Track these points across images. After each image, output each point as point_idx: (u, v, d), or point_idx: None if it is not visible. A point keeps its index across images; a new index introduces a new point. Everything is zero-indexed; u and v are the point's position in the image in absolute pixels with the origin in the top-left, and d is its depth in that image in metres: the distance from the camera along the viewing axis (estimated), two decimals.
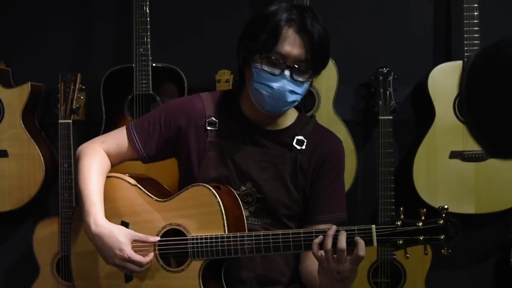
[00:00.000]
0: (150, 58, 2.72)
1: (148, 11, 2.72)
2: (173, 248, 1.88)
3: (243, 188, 1.94)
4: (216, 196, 1.83)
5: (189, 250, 1.85)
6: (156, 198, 1.93)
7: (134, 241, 1.86)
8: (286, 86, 1.83)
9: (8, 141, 2.85)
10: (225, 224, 1.83)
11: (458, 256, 2.73)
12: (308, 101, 2.77)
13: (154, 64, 2.75)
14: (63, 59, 3.05)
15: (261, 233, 1.81)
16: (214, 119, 1.97)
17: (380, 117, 2.71)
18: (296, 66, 1.82)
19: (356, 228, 1.73)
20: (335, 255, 1.71)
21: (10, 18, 3.08)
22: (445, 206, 1.71)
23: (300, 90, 1.86)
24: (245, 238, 1.81)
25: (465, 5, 2.67)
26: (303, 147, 1.96)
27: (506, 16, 2.89)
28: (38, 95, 2.94)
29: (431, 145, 2.73)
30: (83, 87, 2.83)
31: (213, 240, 1.83)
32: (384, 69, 2.75)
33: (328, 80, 2.77)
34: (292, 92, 1.84)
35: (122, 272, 1.90)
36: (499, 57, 1.04)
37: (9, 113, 2.85)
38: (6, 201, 2.86)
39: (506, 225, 2.94)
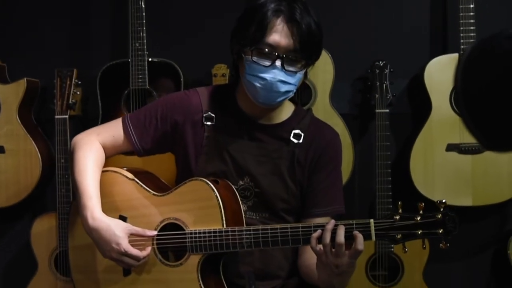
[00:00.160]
0: (146, 53, 2.72)
1: (143, 5, 2.72)
2: (171, 243, 1.88)
3: (240, 182, 1.95)
4: (214, 190, 1.83)
5: (188, 244, 1.85)
6: (154, 192, 1.93)
7: (131, 235, 1.86)
8: (278, 76, 1.82)
9: (4, 137, 2.85)
10: (223, 218, 1.83)
11: (456, 248, 2.74)
12: (305, 95, 2.77)
13: (150, 59, 2.75)
14: (59, 55, 3.04)
15: (260, 227, 1.81)
16: (211, 114, 1.97)
17: (377, 110, 2.72)
18: (287, 56, 1.82)
19: (354, 222, 1.73)
20: (333, 249, 1.71)
21: (6, 14, 3.07)
22: (443, 200, 1.71)
23: (292, 80, 1.85)
24: (244, 232, 1.81)
25: None
26: (300, 140, 1.96)
27: (501, 8, 2.89)
28: (34, 90, 2.93)
29: (428, 138, 2.73)
30: (79, 82, 2.83)
31: (211, 234, 1.83)
32: (381, 62, 2.75)
33: (324, 73, 2.77)
34: (284, 82, 1.83)
35: (120, 266, 1.91)
36: (495, 50, 1.04)
37: (5, 109, 2.84)
38: (3, 197, 2.86)
39: (503, 217, 2.95)
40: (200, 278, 1.84)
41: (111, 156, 2.03)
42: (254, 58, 1.83)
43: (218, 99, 2.00)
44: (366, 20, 2.95)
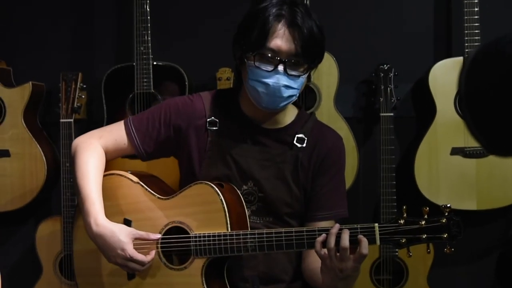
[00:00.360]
0: (151, 56, 2.73)
1: (148, 9, 2.73)
2: (175, 246, 1.88)
3: (244, 187, 1.95)
4: (219, 194, 1.84)
5: (192, 248, 1.85)
6: (159, 196, 1.93)
7: (136, 239, 1.86)
8: (281, 81, 1.82)
9: (10, 141, 2.85)
10: (228, 222, 1.83)
11: (460, 252, 2.73)
12: (309, 99, 2.77)
13: (155, 63, 2.75)
14: (64, 58, 3.05)
15: (264, 231, 1.81)
16: (215, 118, 1.97)
17: (381, 114, 2.71)
18: (289, 60, 1.82)
19: (359, 226, 1.73)
20: (338, 254, 1.71)
21: (11, 18, 3.08)
22: (448, 205, 1.71)
23: (295, 84, 1.85)
24: (248, 236, 1.81)
25: (465, 1, 2.67)
26: (304, 144, 1.96)
27: (506, 12, 2.89)
28: (40, 94, 2.94)
29: (432, 142, 2.73)
30: (84, 86, 2.83)
31: (216, 238, 1.83)
32: (385, 65, 2.75)
33: (329, 77, 2.77)
34: (287, 87, 1.84)
35: (124, 270, 1.91)
36: (499, 54, 1.04)
37: (11, 113, 2.85)
38: (8, 201, 2.86)
39: (508, 221, 2.94)
40: (204, 281, 1.84)
41: (113, 159, 2.03)
42: (257, 64, 1.83)
43: (222, 103, 2.00)
44: (370, 24, 2.95)
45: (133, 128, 1.99)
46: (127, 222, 1.92)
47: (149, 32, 2.72)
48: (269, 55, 1.82)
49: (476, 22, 2.66)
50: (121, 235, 1.83)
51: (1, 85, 2.87)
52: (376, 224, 1.72)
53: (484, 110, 1.07)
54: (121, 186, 1.98)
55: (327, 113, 2.77)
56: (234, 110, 1.98)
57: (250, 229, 1.87)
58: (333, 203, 1.99)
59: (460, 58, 2.70)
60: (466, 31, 2.67)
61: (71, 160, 2.00)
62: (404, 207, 1.73)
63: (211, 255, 1.84)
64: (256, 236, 1.80)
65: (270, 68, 1.82)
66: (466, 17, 2.67)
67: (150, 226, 1.90)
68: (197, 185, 1.88)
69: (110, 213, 1.88)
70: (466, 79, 1.08)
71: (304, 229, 1.79)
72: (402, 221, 1.71)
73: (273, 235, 1.79)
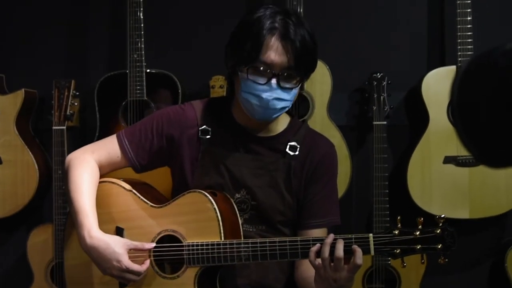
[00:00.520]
0: (144, 64, 2.72)
1: (142, 17, 2.73)
2: (168, 255, 1.87)
3: (237, 195, 1.94)
4: (212, 203, 1.83)
5: (185, 256, 1.84)
6: (152, 204, 1.92)
7: (131, 250, 1.85)
8: (274, 94, 1.82)
9: (1, 148, 2.84)
10: (221, 231, 1.82)
11: (453, 261, 2.71)
12: (302, 107, 2.77)
13: (148, 70, 2.75)
14: (57, 66, 3.05)
15: (258, 241, 1.81)
16: (207, 127, 1.97)
17: (374, 123, 2.72)
18: (282, 73, 1.82)
19: (353, 236, 1.73)
20: (332, 263, 1.71)
21: (4, 25, 3.08)
22: (442, 215, 1.71)
23: (288, 96, 1.85)
24: (242, 245, 1.80)
25: (458, 10, 2.68)
26: (296, 152, 1.96)
27: (499, 21, 2.90)
28: (32, 101, 2.93)
29: (425, 150, 2.74)
30: (77, 93, 2.83)
31: (209, 247, 1.82)
32: (378, 74, 2.75)
33: (322, 85, 2.78)
34: (280, 99, 1.84)
35: (119, 281, 1.89)
36: (492, 66, 1.04)
37: (3, 120, 2.84)
38: (0, 208, 2.85)
39: (500, 229, 2.95)
40: None
41: (107, 174, 2.01)
42: (250, 76, 1.83)
43: (214, 112, 2.00)
44: (364, 32, 2.96)
45: (125, 141, 1.98)
46: (120, 230, 1.91)
47: (143, 39, 2.72)
48: (262, 68, 1.81)
49: (469, 31, 2.67)
50: (116, 246, 1.82)
51: None
52: (371, 234, 1.72)
53: (475, 121, 1.07)
54: (113, 194, 1.97)
55: (320, 121, 2.77)
56: (226, 118, 1.98)
57: (243, 237, 1.86)
58: (325, 211, 1.99)
59: (453, 67, 2.71)
60: (459, 40, 2.68)
61: (64, 175, 1.98)
62: (399, 217, 1.73)
63: (204, 264, 1.83)
64: (250, 245, 1.80)
65: (263, 81, 1.82)
66: (459, 26, 2.68)
67: (142, 234, 1.89)
68: (191, 194, 1.88)
69: (102, 221, 1.87)
70: (458, 89, 1.09)
71: (298, 239, 1.79)
72: (396, 232, 1.71)
73: (267, 244, 1.79)
